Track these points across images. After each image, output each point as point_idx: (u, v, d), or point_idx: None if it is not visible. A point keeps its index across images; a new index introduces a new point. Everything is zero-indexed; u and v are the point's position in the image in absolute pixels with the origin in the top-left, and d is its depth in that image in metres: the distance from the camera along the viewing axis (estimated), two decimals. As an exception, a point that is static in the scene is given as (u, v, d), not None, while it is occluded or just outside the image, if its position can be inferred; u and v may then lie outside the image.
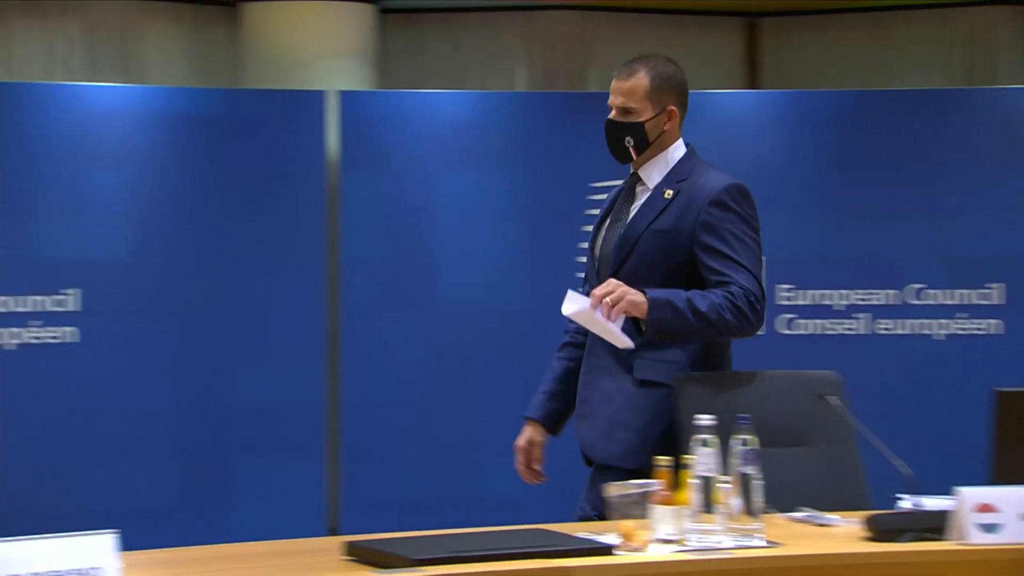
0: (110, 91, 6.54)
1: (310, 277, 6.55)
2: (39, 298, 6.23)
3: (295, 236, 6.55)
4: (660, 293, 3.46)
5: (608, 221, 3.71)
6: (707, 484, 2.95)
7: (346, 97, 6.63)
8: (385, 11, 7.69)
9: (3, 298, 6.18)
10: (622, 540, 2.89)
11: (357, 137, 6.61)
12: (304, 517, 6.38)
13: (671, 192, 3.60)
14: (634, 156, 3.64)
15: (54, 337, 6.24)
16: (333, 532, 6.46)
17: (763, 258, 3.60)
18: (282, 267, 6.53)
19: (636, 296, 3.44)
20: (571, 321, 3.64)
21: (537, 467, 3.78)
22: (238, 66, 7.41)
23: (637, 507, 3.05)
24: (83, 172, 6.30)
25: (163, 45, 7.50)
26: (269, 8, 7.28)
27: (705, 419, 2.97)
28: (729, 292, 3.47)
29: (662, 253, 3.57)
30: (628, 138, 3.62)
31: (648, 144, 3.63)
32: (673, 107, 3.64)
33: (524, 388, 6.59)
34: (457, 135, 6.69)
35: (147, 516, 6.11)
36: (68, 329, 6.27)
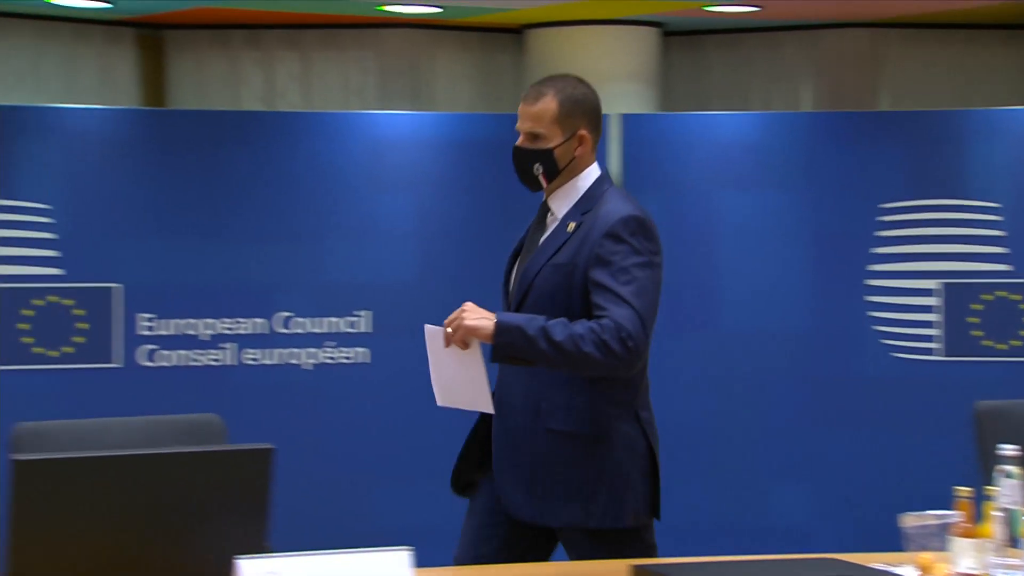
0: (401, 118, 6.71)
1: (593, 300, 6.57)
2: (334, 320, 6.43)
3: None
4: (512, 318, 3.27)
5: (521, 254, 3.52)
6: (1011, 517, 2.83)
7: (628, 120, 6.63)
8: (668, 33, 7.68)
9: (300, 319, 6.40)
10: (920, 572, 2.79)
11: (639, 160, 6.60)
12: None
13: (573, 225, 3.39)
14: (544, 184, 3.43)
15: (347, 357, 6.43)
16: (615, 555, 6.45)
17: (656, 293, 3.37)
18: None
19: (478, 322, 3.26)
20: None
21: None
22: (523, 91, 7.51)
23: (936, 539, 2.94)
24: (375, 197, 6.47)
25: (451, 72, 7.67)
26: (554, 33, 7.36)
27: (1009, 449, 2.85)
28: (598, 324, 3.22)
29: (560, 289, 3.34)
30: (536, 165, 3.40)
31: (558, 171, 3.41)
32: (584, 131, 3.42)
33: (809, 414, 6.55)
34: (740, 156, 6.61)
35: (438, 534, 6.20)
36: (360, 350, 6.45)
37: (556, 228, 3.40)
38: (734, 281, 6.56)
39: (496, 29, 7.67)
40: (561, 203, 3.43)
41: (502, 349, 3.24)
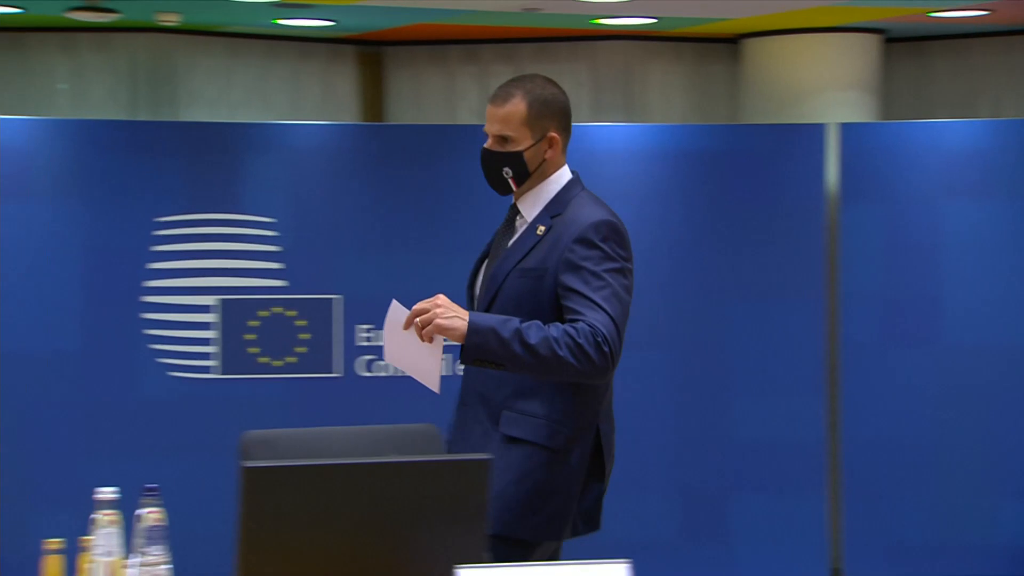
0: (614, 130, 6.71)
1: (809, 311, 6.46)
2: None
3: (793, 270, 6.48)
4: (485, 318, 3.12)
5: (488, 257, 3.41)
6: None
7: (847, 129, 6.51)
8: (891, 40, 7.52)
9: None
10: None
11: (858, 169, 6.47)
12: (805, 556, 6.29)
13: (543, 228, 3.28)
14: (514, 188, 3.32)
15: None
16: (836, 574, 6.33)
17: (628, 299, 3.24)
18: (780, 301, 6.48)
19: (451, 320, 3.09)
20: None
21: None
22: (738, 101, 7.44)
23: None
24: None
25: (665, 83, 7.65)
26: (772, 42, 7.27)
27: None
28: (573, 328, 3.10)
29: (528, 293, 3.23)
30: (506, 169, 3.30)
31: (528, 174, 3.30)
32: (554, 133, 3.31)
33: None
34: (966, 165, 6.43)
35: (650, 548, 6.19)
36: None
37: (525, 231, 3.30)
38: (957, 293, 6.38)
39: (711, 39, 7.62)
40: (530, 206, 3.33)
41: (473, 351, 3.10)
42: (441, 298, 3.13)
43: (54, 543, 2.79)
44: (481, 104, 7.72)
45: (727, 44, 7.57)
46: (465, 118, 7.66)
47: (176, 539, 2.83)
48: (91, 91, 7.35)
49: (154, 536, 2.70)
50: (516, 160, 3.28)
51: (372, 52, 7.87)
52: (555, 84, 3.35)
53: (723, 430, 6.45)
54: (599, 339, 3.09)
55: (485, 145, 3.31)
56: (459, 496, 2.38)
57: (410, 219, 6.36)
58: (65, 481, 5.97)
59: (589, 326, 3.09)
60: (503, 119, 3.27)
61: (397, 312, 3.15)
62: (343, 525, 2.29)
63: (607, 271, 3.17)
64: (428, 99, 7.80)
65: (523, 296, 3.23)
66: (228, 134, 6.34)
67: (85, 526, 2.78)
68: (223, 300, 6.22)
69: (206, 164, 6.27)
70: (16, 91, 7.25)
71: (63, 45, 7.28)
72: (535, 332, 3.09)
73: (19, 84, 7.25)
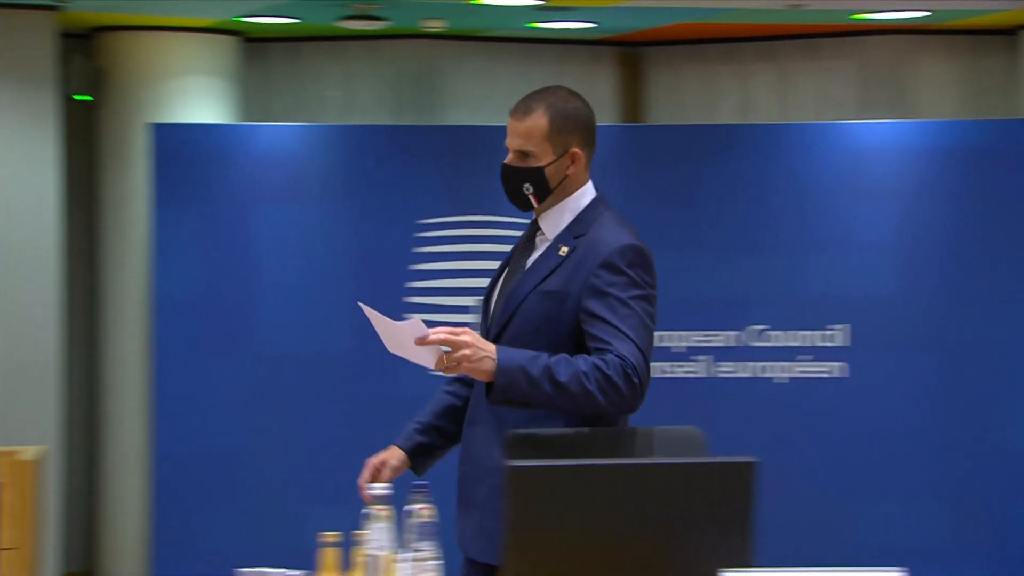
0: (881, 127, 6.56)
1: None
2: (808, 333, 6.35)
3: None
4: (514, 357, 2.97)
5: (506, 273, 3.26)
6: None
7: None
8: None
9: (774, 332, 6.36)
10: None
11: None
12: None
13: (566, 249, 3.14)
14: (535, 204, 3.18)
15: (824, 371, 6.33)
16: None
17: (653, 328, 3.09)
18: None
19: (480, 362, 2.95)
20: None
21: (381, 491, 3.01)
22: (1014, 95, 7.18)
23: None
24: (852, 208, 6.35)
25: (936, 78, 7.42)
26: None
27: None
28: (602, 360, 2.96)
29: (548, 317, 3.10)
30: (526, 185, 3.16)
31: (549, 191, 3.17)
32: (577, 148, 3.18)
33: None
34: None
35: (920, 555, 6.03)
36: (836, 364, 6.33)
37: (547, 251, 3.18)
38: None
39: (986, 31, 7.36)
40: (552, 224, 3.20)
41: (502, 392, 2.97)
42: (469, 334, 3.00)
43: (330, 536, 2.87)
44: (740, 103, 7.64)
45: (1004, 36, 7.30)
46: (725, 117, 7.59)
47: (446, 535, 2.88)
48: (359, 97, 7.55)
49: (425, 532, 2.75)
50: (537, 176, 3.16)
51: (631, 53, 7.87)
52: (579, 97, 3.23)
53: (995, 436, 6.24)
54: (628, 371, 2.97)
55: (505, 160, 3.20)
56: (723, 498, 2.36)
57: (670, 220, 6.34)
58: (337, 477, 6.15)
59: (618, 357, 2.97)
60: (524, 134, 3.16)
61: (375, 315, 3.10)
62: (606, 525, 2.29)
63: (633, 298, 3.06)
64: (687, 99, 7.75)
65: (542, 319, 3.11)
66: (490, 137, 6.43)
67: (358, 521, 2.84)
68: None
69: (468, 167, 6.37)
70: (290, 99, 7.50)
71: (335, 53, 7.50)
72: (564, 368, 2.97)
73: (293, 92, 7.50)
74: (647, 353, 3.03)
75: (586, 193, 3.22)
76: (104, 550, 7.00)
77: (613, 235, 3.13)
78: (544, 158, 3.15)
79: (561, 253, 3.13)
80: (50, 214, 6.55)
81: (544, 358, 2.98)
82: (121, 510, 6.90)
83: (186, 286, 6.38)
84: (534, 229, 3.24)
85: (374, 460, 3.22)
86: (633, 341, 3.00)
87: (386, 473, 3.18)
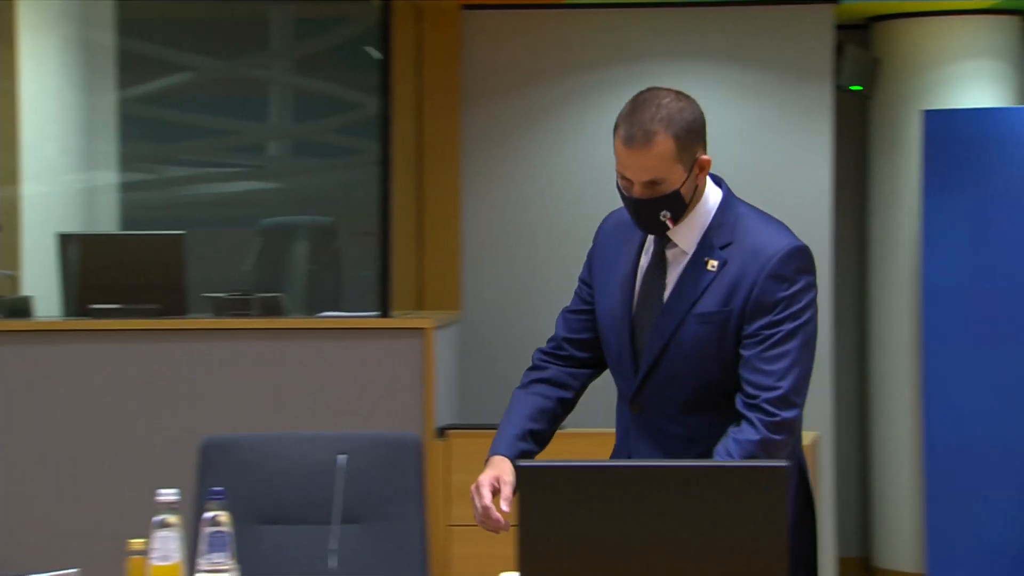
0: None
1: None
2: None
3: None
4: None
5: (639, 285, 2.96)
6: None
7: None
8: None
9: None
10: None
11: None
12: None
13: (715, 263, 2.88)
14: (671, 227, 2.89)
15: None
16: None
17: (814, 344, 2.86)
18: None
19: None
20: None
21: (506, 508, 2.77)
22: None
23: None
24: None
25: None
26: None
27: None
28: (754, 430, 2.76)
29: (710, 340, 2.86)
30: (663, 212, 2.86)
31: (686, 207, 2.89)
32: (703, 155, 2.89)
33: None
34: None
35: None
36: None
37: (689, 267, 2.91)
38: None
39: None
40: (686, 236, 2.92)
41: None
42: None
43: None
44: None
45: None
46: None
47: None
48: None
49: (219, 543, 2.62)
50: (674, 200, 2.87)
51: None
52: (685, 96, 2.90)
53: None
54: (776, 424, 2.78)
55: (633, 194, 2.86)
56: (751, 505, 2.17)
57: None
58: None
59: (770, 406, 2.79)
60: (652, 165, 2.83)
61: None
62: (623, 529, 2.16)
63: (802, 311, 2.84)
64: None
65: (704, 343, 2.88)
66: None
67: None
68: None
69: None
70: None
71: None
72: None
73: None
74: (803, 386, 2.84)
75: (713, 193, 2.97)
76: (879, 539, 7.05)
77: (771, 238, 2.89)
78: (677, 180, 2.86)
79: (710, 268, 2.90)
80: (824, 204, 6.68)
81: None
82: (894, 500, 6.92)
83: (955, 275, 6.32)
84: (660, 244, 2.96)
85: (487, 478, 2.91)
86: (787, 382, 2.81)
87: (507, 490, 2.87)
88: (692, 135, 2.86)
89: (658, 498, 2.17)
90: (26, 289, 6.18)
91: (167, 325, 5.19)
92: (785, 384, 2.80)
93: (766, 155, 6.68)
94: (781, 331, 2.82)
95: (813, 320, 2.88)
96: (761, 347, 2.82)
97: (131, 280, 5.33)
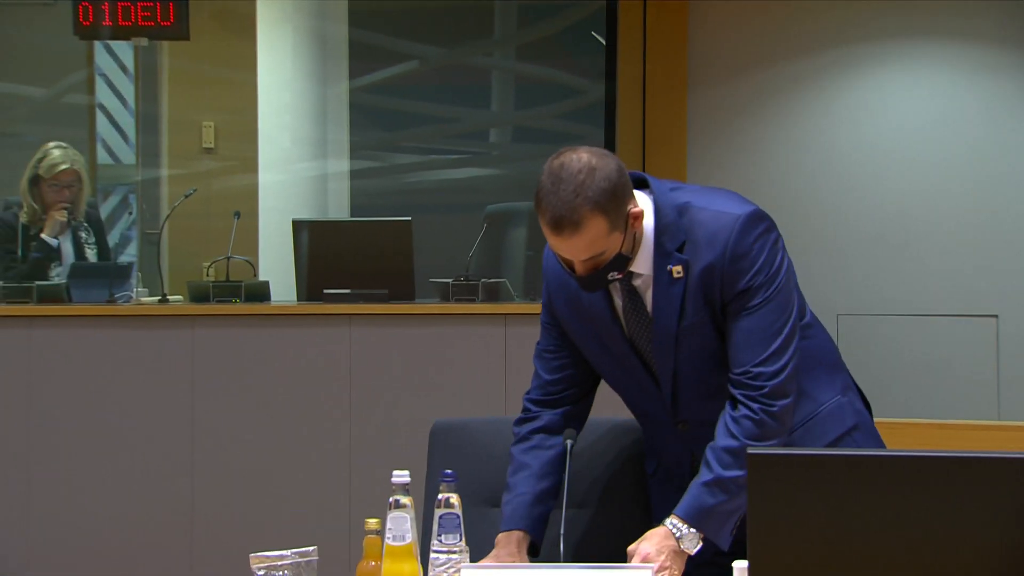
0: None
1: None
2: None
3: None
4: (695, 514, 2.75)
5: (627, 327, 2.87)
6: None
7: None
8: None
9: None
10: None
11: None
12: None
13: (679, 268, 2.80)
14: (619, 278, 2.80)
15: None
16: None
17: (793, 305, 2.81)
18: None
19: (680, 556, 2.73)
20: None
21: None
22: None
23: None
24: None
25: None
26: None
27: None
28: (752, 425, 2.75)
29: (712, 342, 2.82)
30: (611, 273, 2.77)
31: (630, 258, 2.79)
32: (634, 207, 2.75)
33: None
34: None
35: None
36: None
37: (656, 284, 2.81)
38: None
39: None
40: (641, 261, 2.82)
41: (726, 540, 2.77)
42: (653, 557, 2.72)
43: None
44: None
45: None
46: None
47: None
48: None
49: (450, 524, 2.65)
50: (618, 262, 2.76)
51: None
52: (598, 154, 2.71)
53: None
54: (769, 415, 2.76)
55: (576, 272, 2.74)
56: (997, 498, 2.05)
57: None
58: None
59: (761, 394, 2.76)
60: (587, 245, 2.70)
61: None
62: (856, 519, 2.10)
63: (773, 277, 2.78)
64: None
65: (709, 348, 2.84)
66: None
67: None
68: None
69: None
70: None
71: None
72: (731, 467, 2.75)
73: None
74: (788, 363, 2.78)
75: (646, 208, 2.80)
76: None
77: (718, 219, 2.79)
78: (616, 245, 2.74)
79: (677, 275, 2.80)
80: None
81: (700, 484, 2.77)
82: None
83: None
84: (626, 280, 2.84)
85: (505, 555, 2.86)
86: (778, 369, 2.77)
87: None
88: (617, 198, 2.70)
89: (894, 487, 2.12)
90: (262, 274, 6.38)
91: (396, 310, 5.30)
92: (765, 370, 2.77)
93: (1003, 135, 6.48)
94: (757, 301, 2.77)
95: (787, 274, 2.82)
96: (738, 332, 2.79)
97: (361, 265, 5.45)
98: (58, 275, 5.92)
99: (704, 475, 2.77)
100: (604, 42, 5.67)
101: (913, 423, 5.13)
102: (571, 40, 7.75)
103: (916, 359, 6.53)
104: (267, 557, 2.60)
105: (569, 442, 2.95)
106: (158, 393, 5.27)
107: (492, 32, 8.15)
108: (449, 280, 5.47)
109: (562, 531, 2.84)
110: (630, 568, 2.63)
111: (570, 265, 2.75)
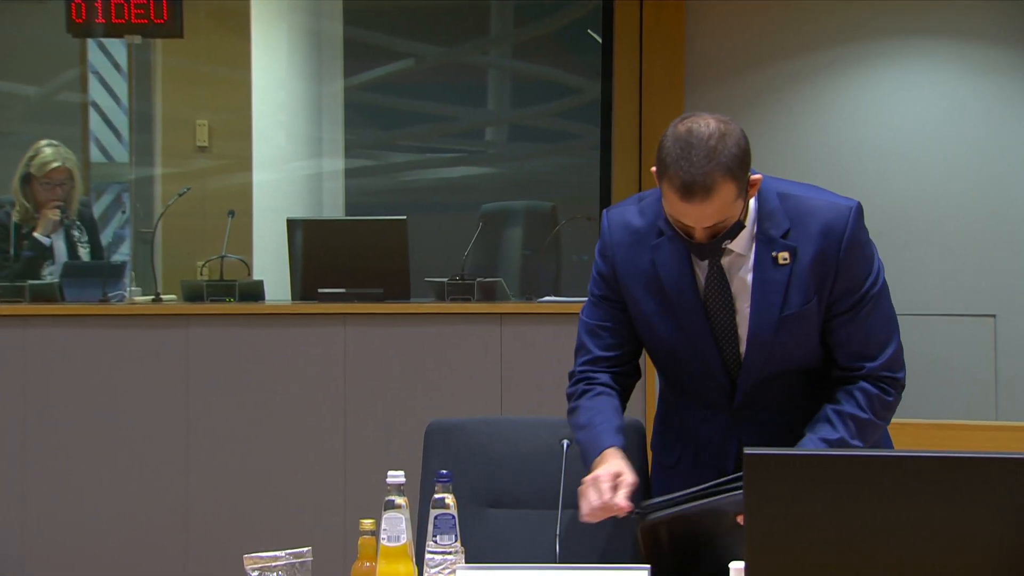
0: None
1: None
2: None
3: None
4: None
5: (706, 304, 2.82)
6: None
7: None
8: None
9: None
10: None
11: None
12: None
13: (786, 255, 2.78)
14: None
15: None
16: None
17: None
18: None
19: None
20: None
21: (624, 505, 2.69)
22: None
23: None
24: None
25: None
26: None
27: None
28: (877, 396, 2.84)
29: (809, 333, 2.81)
30: (725, 241, 2.75)
31: (744, 225, 2.78)
32: (754, 174, 2.75)
33: None
34: None
35: None
36: None
37: (758, 268, 2.78)
38: None
39: None
40: (739, 238, 2.79)
41: None
42: None
43: None
44: None
45: None
46: None
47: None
48: None
49: (445, 524, 2.63)
50: (735, 229, 2.76)
51: None
52: (724, 120, 2.71)
53: None
54: (896, 387, 2.89)
55: (696, 239, 2.73)
56: (995, 498, 2.03)
57: None
58: None
59: (883, 379, 2.86)
60: (715, 211, 2.69)
61: None
62: (854, 519, 2.08)
63: (878, 273, 2.84)
64: None
65: (801, 340, 2.82)
66: None
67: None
68: None
69: None
70: None
71: None
72: (856, 443, 2.79)
73: None
74: (900, 342, 2.89)
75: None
76: None
77: (830, 210, 2.80)
78: (738, 212, 2.74)
79: (783, 261, 2.79)
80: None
81: (819, 439, 2.77)
82: None
83: None
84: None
85: (606, 474, 2.75)
86: (891, 349, 2.87)
87: (628, 490, 2.74)
88: (744, 163, 2.70)
89: (892, 488, 2.10)
90: (257, 273, 6.35)
91: (392, 310, 5.27)
92: (891, 349, 2.85)
93: (1003, 135, 6.46)
94: (870, 296, 2.80)
95: (881, 269, 2.85)
96: (845, 328, 2.81)
97: (356, 265, 5.42)
98: (51, 274, 5.89)
99: (827, 431, 2.77)
100: (601, 41, 5.65)
101: (912, 423, 5.11)
102: (567, 39, 7.72)
103: (914, 359, 6.49)
104: (261, 558, 2.57)
105: (565, 442, 2.93)
106: (152, 393, 5.24)
107: (488, 30, 8.12)
108: (445, 279, 5.44)
109: (559, 531, 2.82)
110: (629, 568, 2.61)
111: (687, 232, 2.72)
